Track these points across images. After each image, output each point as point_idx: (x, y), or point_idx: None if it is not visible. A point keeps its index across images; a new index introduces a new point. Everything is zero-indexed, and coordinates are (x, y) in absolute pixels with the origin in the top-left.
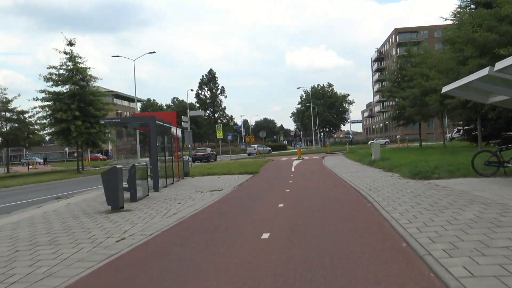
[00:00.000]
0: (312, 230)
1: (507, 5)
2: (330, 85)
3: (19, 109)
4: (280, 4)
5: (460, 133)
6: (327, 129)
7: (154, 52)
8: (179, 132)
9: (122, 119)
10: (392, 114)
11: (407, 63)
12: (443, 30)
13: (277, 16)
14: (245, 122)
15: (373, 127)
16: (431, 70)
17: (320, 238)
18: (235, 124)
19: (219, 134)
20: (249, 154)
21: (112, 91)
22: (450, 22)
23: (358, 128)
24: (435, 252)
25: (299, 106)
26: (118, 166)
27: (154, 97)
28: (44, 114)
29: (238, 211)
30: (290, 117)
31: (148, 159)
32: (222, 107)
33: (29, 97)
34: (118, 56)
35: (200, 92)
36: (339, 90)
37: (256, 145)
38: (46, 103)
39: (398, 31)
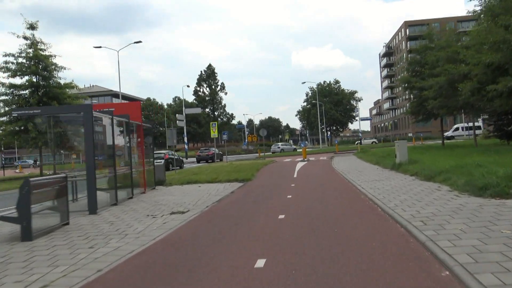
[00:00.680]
0: None
1: None
2: (337, 82)
3: None
4: (285, 4)
5: (460, 131)
6: (334, 128)
7: (140, 41)
8: (147, 130)
9: (43, 109)
10: (410, 108)
11: (427, 50)
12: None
13: (283, 15)
14: (250, 121)
15: (382, 125)
16: (467, 51)
17: None
18: (239, 123)
19: (214, 133)
20: (273, 153)
21: (111, 90)
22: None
23: (365, 126)
24: None
25: (305, 104)
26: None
27: (162, 98)
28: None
29: (180, 273)
30: (296, 115)
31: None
32: (222, 104)
33: None
34: (100, 47)
35: (198, 89)
36: (346, 88)
37: (280, 144)
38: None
39: (408, 24)
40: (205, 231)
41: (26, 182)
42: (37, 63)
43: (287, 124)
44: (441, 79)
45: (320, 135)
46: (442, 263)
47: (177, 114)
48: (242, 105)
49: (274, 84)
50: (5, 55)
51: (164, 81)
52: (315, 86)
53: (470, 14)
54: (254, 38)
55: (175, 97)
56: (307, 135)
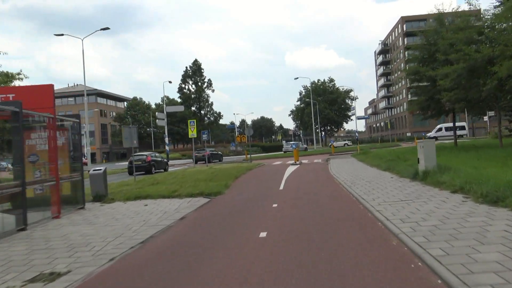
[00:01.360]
0: None
1: None
2: (331, 80)
3: None
4: (280, 4)
5: (443, 132)
6: (328, 128)
7: (108, 28)
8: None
9: None
10: (417, 103)
11: (438, 34)
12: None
13: (277, 16)
14: (243, 121)
15: (377, 124)
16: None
17: None
18: (232, 123)
19: (192, 132)
20: (285, 152)
21: (96, 89)
22: None
23: (360, 127)
24: None
25: (298, 103)
26: None
27: (157, 99)
28: None
29: None
30: (289, 115)
31: None
32: (209, 102)
33: None
34: (62, 35)
35: (183, 86)
36: (341, 86)
37: (292, 143)
38: None
39: (405, 20)
40: None
41: None
42: None
43: (281, 125)
44: (460, 66)
45: (314, 135)
46: None
47: (156, 113)
48: (238, 106)
49: (269, 84)
50: None
51: (160, 82)
52: (309, 85)
53: (471, 7)
54: (249, 38)
55: (164, 96)
56: (301, 135)
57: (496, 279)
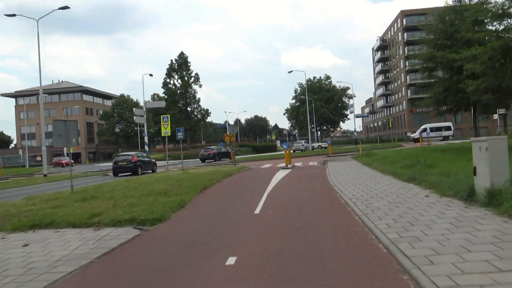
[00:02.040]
0: None
1: None
2: (327, 78)
3: None
4: (277, 4)
5: (428, 133)
6: (324, 127)
7: (67, 7)
8: None
9: None
10: (431, 95)
11: (457, 13)
12: None
13: (274, 16)
14: (237, 121)
15: (374, 124)
16: None
17: None
18: (225, 122)
19: (165, 130)
20: (294, 151)
21: (81, 86)
22: None
23: (356, 126)
24: None
25: (293, 101)
26: None
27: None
28: None
29: None
30: (284, 114)
31: None
32: (196, 98)
33: None
34: (14, 15)
35: (168, 80)
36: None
37: (303, 141)
38: None
39: (404, 14)
40: None
41: None
42: None
43: (276, 124)
44: (494, 43)
45: (309, 135)
46: None
47: (134, 109)
48: (234, 106)
49: (265, 84)
50: None
51: (158, 81)
52: (304, 82)
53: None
54: (245, 38)
55: (154, 94)
56: (296, 135)
57: None
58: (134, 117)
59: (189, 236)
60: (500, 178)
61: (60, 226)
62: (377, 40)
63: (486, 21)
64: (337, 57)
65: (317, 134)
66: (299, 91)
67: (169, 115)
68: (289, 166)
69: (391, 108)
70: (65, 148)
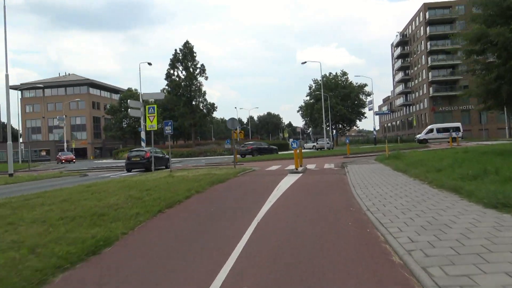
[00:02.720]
0: None
1: None
2: (344, 74)
3: None
4: (284, 4)
5: (434, 133)
6: (340, 126)
7: None
8: None
9: None
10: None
11: None
12: None
13: (287, 14)
14: (251, 118)
15: (392, 123)
16: None
17: None
18: (239, 118)
19: (150, 123)
20: (319, 149)
21: (88, 79)
22: None
23: (370, 126)
24: None
25: (308, 98)
26: None
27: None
28: None
29: None
30: (298, 111)
31: None
32: (202, 92)
33: None
34: None
35: (172, 72)
36: (356, 76)
37: (327, 139)
38: None
39: (427, 7)
40: None
41: None
42: None
43: (290, 122)
44: None
45: (324, 133)
46: None
47: (129, 100)
48: (247, 104)
49: (279, 83)
50: None
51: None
52: (319, 78)
53: None
54: (259, 36)
55: (163, 88)
56: (310, 133)
57: None
58: (129, 110)
59: None
60: None
61: None
62: (396, 35)
63: None
64: (353, 56)
65: (332, 133)
66: (313, 87)
67: (155, 106)
68: (300, 169)
69: (411, 107)
70: (65, 142)
